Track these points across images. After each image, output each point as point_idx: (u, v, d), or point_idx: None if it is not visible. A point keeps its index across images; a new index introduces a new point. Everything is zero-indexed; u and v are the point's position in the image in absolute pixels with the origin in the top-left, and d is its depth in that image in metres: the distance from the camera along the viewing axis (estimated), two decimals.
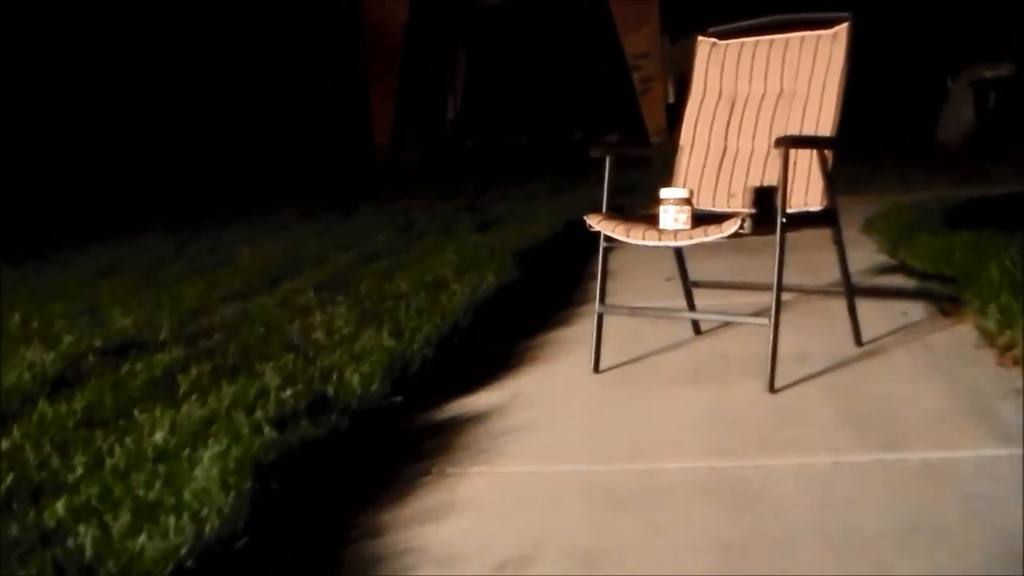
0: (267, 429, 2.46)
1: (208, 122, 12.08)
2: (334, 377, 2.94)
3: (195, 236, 7.15)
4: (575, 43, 16.09)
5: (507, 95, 17.33)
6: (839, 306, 3.46)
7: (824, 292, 3.68)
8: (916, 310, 3.73)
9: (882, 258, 4.79)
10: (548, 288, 4.73)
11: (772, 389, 2.84)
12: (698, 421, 2.70)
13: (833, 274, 4.32)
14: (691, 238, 2.88)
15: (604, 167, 3.27)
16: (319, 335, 3.66)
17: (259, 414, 2.63)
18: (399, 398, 2.87)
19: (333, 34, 14.29)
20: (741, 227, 2.75)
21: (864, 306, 3.32)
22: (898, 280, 4.30)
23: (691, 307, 3.55)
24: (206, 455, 2.30)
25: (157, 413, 2.69)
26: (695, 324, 3.59)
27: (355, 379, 2.92)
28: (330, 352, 3.34)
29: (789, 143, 2.92)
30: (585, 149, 3.42)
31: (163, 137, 11.45)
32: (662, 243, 2.93)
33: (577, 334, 3.72)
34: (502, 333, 3.80)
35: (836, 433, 2.51)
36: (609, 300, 3.72)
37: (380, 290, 4.43)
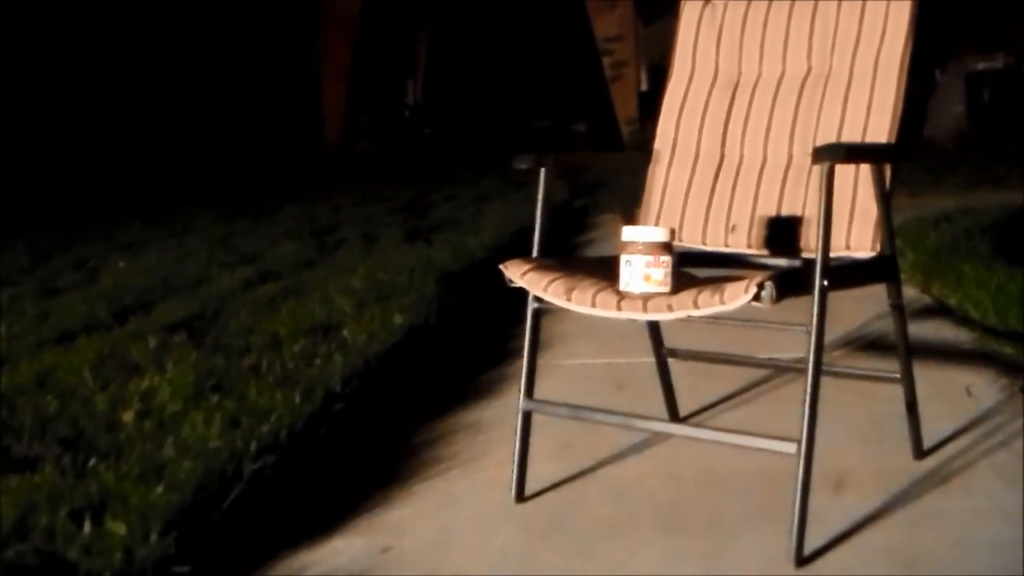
0: None
1: (133, 106, 10.86)
2: (87, 522, 1.82)
3: (68, 245, 5.95)
4: (545, 25, 15.15)
5: (471, 80, 16.30)
6: (876, 387, 2.39)
7: (861, 371, 2.57)
8: (982, 385, 2.64)
9: (910, 292, 3.70)
10: (479, 330, 3.61)
11: (800, 559, 1.73)
12: None
13: (850, 323, 3.26)
14: (670, 310, 1.73)
15: (539, 181, 2.13)
16: (128, 416, 2.54)
17: None
18: (186, 568, 1.75)
19: (281, 8, 13.22)
20: (756, 297, 1.63)
21: None
22: (943, 330, 3.21)
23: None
24: None
25: None
26: (670, 406, 2.47)
27: (121, 529, 1.80)
28: (127, 453, 2.22)
29: (838, 155, 1.78)
30: (531, 146, 2.31)
31: (78, 124, 10.22)
32: (624, 314, 1.80)
33: (503, 415, 2.60)
34: (399, 412, 2.69)
35: None
36: (555, 352, 2.61)
37: (251, 332, 3.31)
